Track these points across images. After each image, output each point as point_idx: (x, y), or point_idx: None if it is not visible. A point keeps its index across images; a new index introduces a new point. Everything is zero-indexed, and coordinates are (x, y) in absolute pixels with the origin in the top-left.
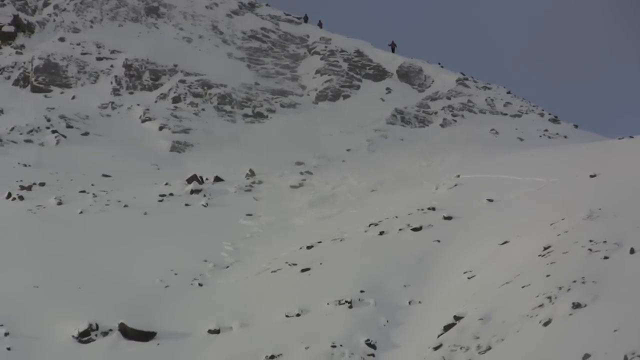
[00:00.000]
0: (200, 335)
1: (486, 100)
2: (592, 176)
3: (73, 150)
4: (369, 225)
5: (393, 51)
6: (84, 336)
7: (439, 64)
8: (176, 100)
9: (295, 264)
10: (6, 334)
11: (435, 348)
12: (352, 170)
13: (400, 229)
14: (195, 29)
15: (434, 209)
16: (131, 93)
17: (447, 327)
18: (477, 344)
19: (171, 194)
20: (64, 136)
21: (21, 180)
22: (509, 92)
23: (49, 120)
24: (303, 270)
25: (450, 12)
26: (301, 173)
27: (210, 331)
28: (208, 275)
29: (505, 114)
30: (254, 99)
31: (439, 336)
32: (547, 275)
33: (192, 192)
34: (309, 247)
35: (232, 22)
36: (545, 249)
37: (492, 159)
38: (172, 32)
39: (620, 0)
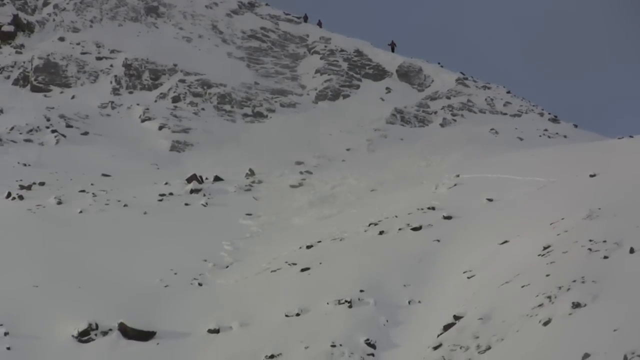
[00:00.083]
0: (200, 335)
1: (486, 99)
2: (591, 176)
3: (73, 150)
4: (369, 225)
5: (393, 51)
6: (84, 336)
7: (439, 63)
8: (176, 99)
9: (295, 264)
10: (6, 334)
11: (435, 348)
12: (351, 170)
13: (400, 229)
14: (195, 28)
15: (433, 208)
16: (131, 93)
17: (446, 327)
18: (477, 344)
19: (171, 194)
20: (64, 136)
21: (21, 180)
22: (508, 92)
23: (48, 119)
24: (303, 270)
25: (450, 11)
26: (301, 173)
27: (210, 331)
28: (208, 274)
29: (505, 114)
30: (253, 99)
31: (438, 336)
32: (547, 275)
33: (191, 191)
34: (308, 247)
35: (231, 21)
36: (545, 248)
37: (491, 158)
38: (171, 31)
39: (620, 0)
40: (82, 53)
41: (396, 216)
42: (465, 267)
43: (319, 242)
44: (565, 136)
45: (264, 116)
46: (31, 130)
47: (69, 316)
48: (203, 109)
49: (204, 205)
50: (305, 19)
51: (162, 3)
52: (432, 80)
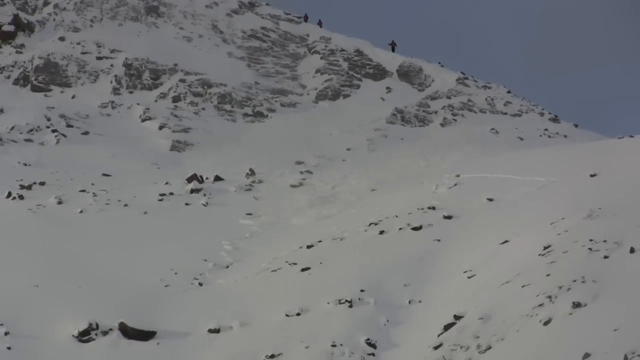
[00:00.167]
0: (200, 335)
1: (486, 99)
2: (592, 175)
3: (73, 150)
4: (369, 225)
5: (393, 50)
6: (84, 335)
7: (439, 63)
8: (176, 99)
9: (295, 264)
10: (6, 333)
11: (436, 347)
12: (352, 170)
13: (400, 229)
14: (195, 28)
15: (434, 208)
16: (131, 92)
17: (447, 327)
18: (477, 344)
19: (171, 193)
20: (64, 135)
21: (21, 180)
22: (509, 92)
23: (49, 119)
24: (303, 270)
25: (450, 11)
26: (301, 172)
27: (210, 330)
28: (208, 274)
29: (506, 114)
30: (254, 98)
31: (439, 335)
32: (547, 275)
33: (192, 191)
34: (309, 247)
35: (232, 21)
36: (545, 248)
37: (492, 158)
38: (172, 31)
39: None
40: (83, 53)
41: (396, 216)
42: (466, 266)
43: (320, 241)
44: (565, 136)
45: (264, 116)
46: (31, 130)
47: (69, 316)
48: (203, 108)
49: (205, 205)
50: (306, 18)
51: (163, 3)
52: (433, 80)
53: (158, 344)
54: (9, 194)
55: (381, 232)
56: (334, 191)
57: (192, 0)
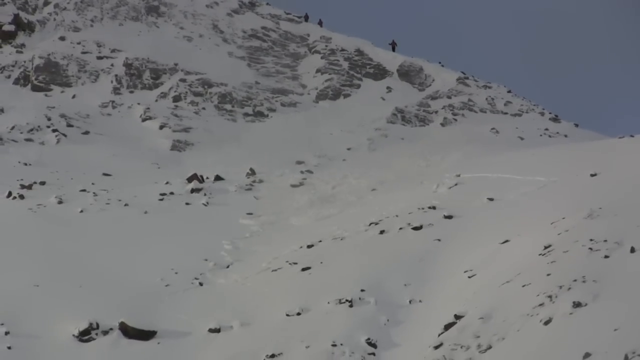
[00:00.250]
0: (200, 334)
1: (487, 99)
2: (592, 175)
3: (73, 149)
4: (370, 224)
5: (393, 50)
6: (85, 335)
7: (440, 63)
8: (177, 99)
9: (295, 263)
10: (6, 333)
11: (436, 347)
12: (352, 169)
13: (400, 228)
14: (196, 28)
15: (434, 208)
16: (132, 92)
17: (447, 326)
18: (478, 343)
19: (172, 193)
20: (65, 135)
21: (22, 179)
22: (509, 91)
23: (49, 119)
24: (303, 270)
25: (451, 11)
26: (302, 172)
27: (210, 330)
28: (208, 274)
29: (506, 113)
30: (254, 98)
31: (439, 335)
32: (548, 274)
33: (192, 191)
34: (309, 246)
35: (232, 21)
36: (545, 248)
37: (492, 158)
38: (172, 31)
39: (620, 0)
40: (83, 52)
41: (397, 215)
42: (466, 266)
43: (320, 241)
44: (566, 135)
45: (264, 115)
46: (32, 130)
47: (69, 315)
48: (204, 108)
49: (205, 205)
50: (306, 18)
51: (163, 2)
52: (433, 80)
53: (158, 343)
54: (10, 194)
55: (382, 232)
56: (335, 191)
57: (192, 0)
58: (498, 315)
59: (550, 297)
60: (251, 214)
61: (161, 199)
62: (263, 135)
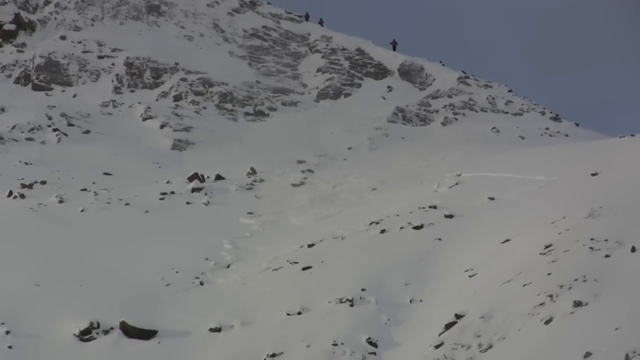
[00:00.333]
0: (201, 334)
1: (487, 98)
2: (593, 175)
3: (74, 149)
4: (370, 224)
5: (394, 49)
6: (85, 334)
7: (440, 62)
8: (177, 98)
9: (296, 263)
10: (7, 332)
11: (437, 346)
12: (353, 169)
13: (401, 228)
14: (197, 27)
15: (435, 207)
16: (132, 91)
17: (448, 326)
18: (479, 342)
19: (172, 192)
20: (65, 134)
21: (22, 179)
22: (510, 91)
23: (50, 118)
24: (304, 269)
25: (451, 11)
26: (302, 171)
27: (211, 329)
28: (209, 273)
29: (507, 113)
30: (255, 97)
31: (440, 334)
32: (549, 274)
33: (193, 190)
34: (310, 246)
35: (233, 20)
36: (546, 247)
37: (493, 157)
38: (173, 30)
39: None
40: (84, 52)
41: (397, 215)
42: (467, 265)
43: (321, 241)
44: (566, 135)
45: (265, 115)
46: (33, 129)
47: (70, 315)
48: (204, 107)
49: (206, 204)
50: (307, 17)
51: (164, 2)
52: (434, 79)
53: (159, 343)
54: (10, 193)
55: (382, 231)
56: (335, 190)
57: None
58: (499, 315)
59: (551, 296)
60: (252, 213)
61: (162, 199)
62: (264, 134)
